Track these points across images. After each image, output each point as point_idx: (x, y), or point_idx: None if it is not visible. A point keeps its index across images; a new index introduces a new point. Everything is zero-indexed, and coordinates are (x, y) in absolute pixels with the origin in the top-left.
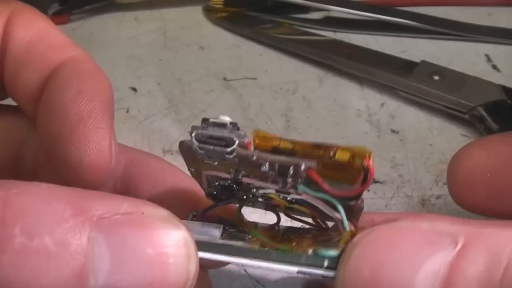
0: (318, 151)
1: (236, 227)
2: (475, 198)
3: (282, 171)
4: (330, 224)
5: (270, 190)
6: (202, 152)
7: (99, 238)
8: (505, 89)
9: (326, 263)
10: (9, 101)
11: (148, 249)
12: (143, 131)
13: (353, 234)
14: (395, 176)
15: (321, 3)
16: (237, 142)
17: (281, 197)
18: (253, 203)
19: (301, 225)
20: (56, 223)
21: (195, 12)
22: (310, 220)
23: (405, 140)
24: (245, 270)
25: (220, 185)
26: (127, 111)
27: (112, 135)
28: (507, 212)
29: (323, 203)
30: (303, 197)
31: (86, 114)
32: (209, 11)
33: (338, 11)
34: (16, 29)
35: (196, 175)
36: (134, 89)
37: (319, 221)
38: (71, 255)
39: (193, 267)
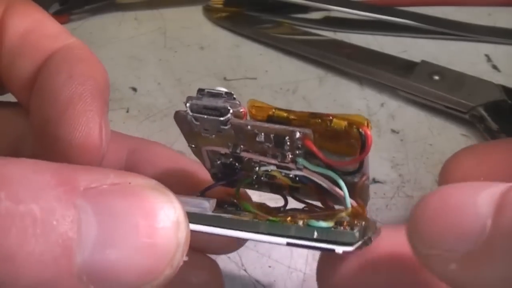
0: (314, 120)
1: (236, 207)
2: None
3: (278, 141)
4: (338, 207)
5: (271, 167)
6: (198, 123)
7: (86, 207)
8: (505, 89)
9: (315, 235)
10: (8, 98)
11: (136, 216)
12: (143, 131)
13: (355, 211)
14: (395, 176)
15: (321, 3)
16: (231, 111)
17: (283, 174)
18: (259, 186)
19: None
20: (42, 191)
21: (195, 12)
22: (318, 204)
23: (405, 140)
24: (245, 270)
25: (222, 163)
26: (127, 111)
27: (103, 118)
28: None
29: (324, 179)
30: (304, 172)
31: (75, 97)
32: (209, 11)
33: (338, 11)
34: (11, 20)
35: (197, 151)
36: (134, 89)
37: (327, 203)
38: (57, 220)
39: (183, 234)
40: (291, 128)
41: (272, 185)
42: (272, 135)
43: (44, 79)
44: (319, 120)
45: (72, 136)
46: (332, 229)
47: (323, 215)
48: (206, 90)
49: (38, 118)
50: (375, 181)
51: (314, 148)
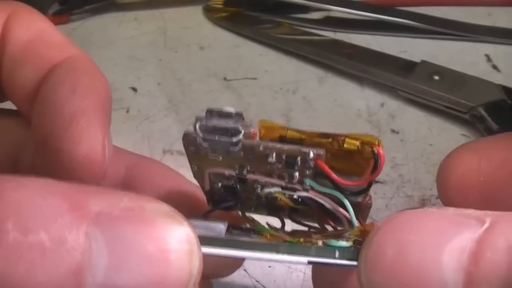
0: (325, 140)
1: (242, 229)
2: (467, 203)
3: (289, 161)
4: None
5: (276, 188)
6: (207, 144)
7: (97, 234)
8: (505, 89)
9: (337, 254)
10: (8, 105)
11: (148, 245)
12: (143, 131)
13: (361, 231)
14: (395, 176)
15: (321, 3)
16: (242, 132)
17: (286, 196)
18: (256, 208)
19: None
20: (51, 218)
21: (195, 12)
22: (315, 225)
23: (405, 140)
24: (245, 270)
25: (223, 186)
26: (127, 111)
27: (106, 134)
28: None
29: (330, 200)
30: (310, 194)
31: (79, 112)
32: (209, 11)
33: (338, 11)
34: (14, 28)
35: (199, 173)
36: (134, 89)
37: (325, 225)
38: (67, 251)
39: (196, 264)
40: (304, 149)
41: (270, 207)
42: (284, 156)
43: (47, 91)
44: (331, 140)
45: (75, 151)
46: (352, 248)
47: (333, 235)
48: (214, 111)
49: (40, 130)
50: (375, 181)
51: (327, 168)
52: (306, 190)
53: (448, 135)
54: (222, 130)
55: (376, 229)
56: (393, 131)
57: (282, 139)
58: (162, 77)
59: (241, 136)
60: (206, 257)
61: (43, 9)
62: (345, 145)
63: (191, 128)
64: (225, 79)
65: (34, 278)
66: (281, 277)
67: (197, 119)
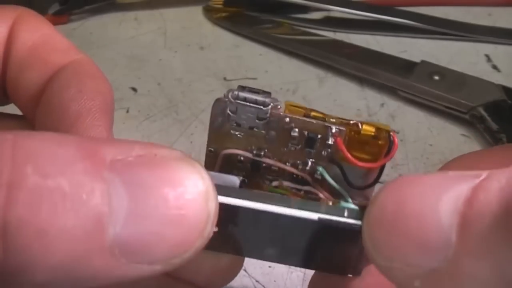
0: (346, 121)
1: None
2: None
3: (310, 139)
4: None
5: (286, 183)
6: (234, 116)
7: (114, 179)
8: (505, 89)
9: (346, 213)
10: (11, 109)
11: (165, 188)
12: (143, 131)
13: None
14: (395, 176)
15: (321, 3)
16: (271, 104)
17: (293, 191)
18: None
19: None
20: (69, 164)
21: (195, 12)
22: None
23: (405, 140)
24: (245, 270)
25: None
26: (127, 111)
27: (110, 134)
28: None
29: (331, 197)
30: (315, 189)
31: (85, 112)
32: (209, 11)
33: (338, 11)
34: (20, 33)
35: (212, 157)
36: (134, 89)
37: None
38: (87, 194)
39: (213, 205)
40: (327, 124)
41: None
42: (306, 132)
43: (53, 93)
44: (350, 124)
45: None
46: (359, 209)
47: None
48: (246, 87)
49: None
50: (376, 181)
51: (343, 147)
52: (317, 179)
53: (448, 135)
54: (252, 101)
55: (377, 192)
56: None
57: (307, 116)
58: (162, 77)
59: (270, 106)
60: (200, 264)
61: (43, 9)
62: (364, 127)
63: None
64: (225, 79)
65: (57, 221)
66: (281, 277)
67: (229, 90)
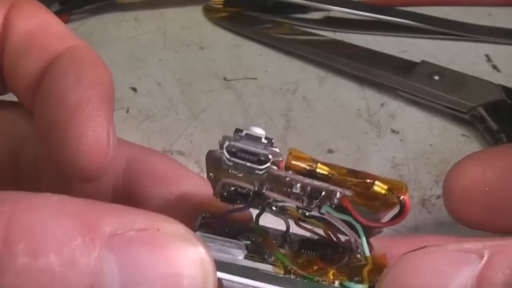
0: (354, 178)
1: (251, 235)
2: (473, 213)
3: (313, 194)
4: (341, 237)
5: (290, 205)
6: (231, 164)
7: (109, 257)
8: (505, 89)
9: None
10: (10, 98)
11: (161, 269)
12: (143, 131)
13: (374, 263)
14: (395, 176)
15: (321, 3)
16: (271, 161)
17: (300, 212)
18: (264, 209)
19: (310, 235)
20: (63, 242)
21: (195, 12)
22: (320, 231)
23: (405, 140)
24: None
25: (235, 190)
26: (127, 111)
27: (111, 123)
28: (504, 226)
29: (343, 224)
30: (325, 215)
31: (84, 101)
32: (209, 11)
33: (338, 11)
34: (16, 19)
35: (213, 180)
36: (134, 89)
37: (330, 234)
38: (78, 275)
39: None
40: (332, 187)
41: (279, 212)
42: (309, 188)
43: (51, 81)
44: (359, 180)
45: (80, 141)
46: None
47: (348, 266)
48: (244, 132)
49: (43, 121)
50: None
51: (351, 209)
52: (322, 214)
53: (448, 135)
54: (249, 154)
55: (382, 276)
56: (393, 131)
57: (311, 173)
58: (162, 77)
59: (268, 164)
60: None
61: None
62: (374, 188)
63: (217, 147)
64: (225, 79)
65: None
66: None
67: (225, 138)
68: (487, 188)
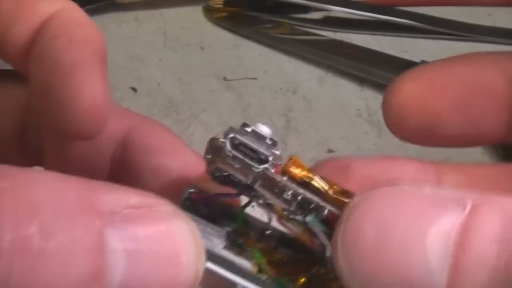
0: (345, 199)
1: (232, 222)
2: (410, 129)
3: (302, 204)
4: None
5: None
6: (230, 155)
7: (112, 234)
8: None
9: None
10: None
11: (161, 246)
12: None
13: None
14: None
15: (321, 3)
16: (270, 162)
17: (284, 213)
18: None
19: (289, 232)
20: (69, 220)
21: (195, 12)
22: (299, 233)
23: None
24: None
25: (228, 176)
26: None
27: (106, 82)
28: (440, 142)
29: (323, 236)
30: (308, 224)
31: (78, 61)
32: (209, 11)
33: (338, 11)
34: None
35: (209, 163)
36: (134, 89)
37: (308, 239)
38: (87, 251)
39: (202, 264)
40: (322, 204)
41: (264, 204)
42: (300, 197)
43: (44, 44)
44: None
45: (77, 99)
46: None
47: (318, 278)
48: (251, 127)
49: (39, 85)
50: None
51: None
52: (305, 222)
53: None
54: (251, 150)
55: (351, 207)
56: None
57: (305, 184)
58: (162, 77)
59: (267, 165)
60: None
61: None
62: None
63: (220, 136)
64: (225, 79)
65: (57, 283)
66: None
67: (230, 130)
68: (422, 105)
